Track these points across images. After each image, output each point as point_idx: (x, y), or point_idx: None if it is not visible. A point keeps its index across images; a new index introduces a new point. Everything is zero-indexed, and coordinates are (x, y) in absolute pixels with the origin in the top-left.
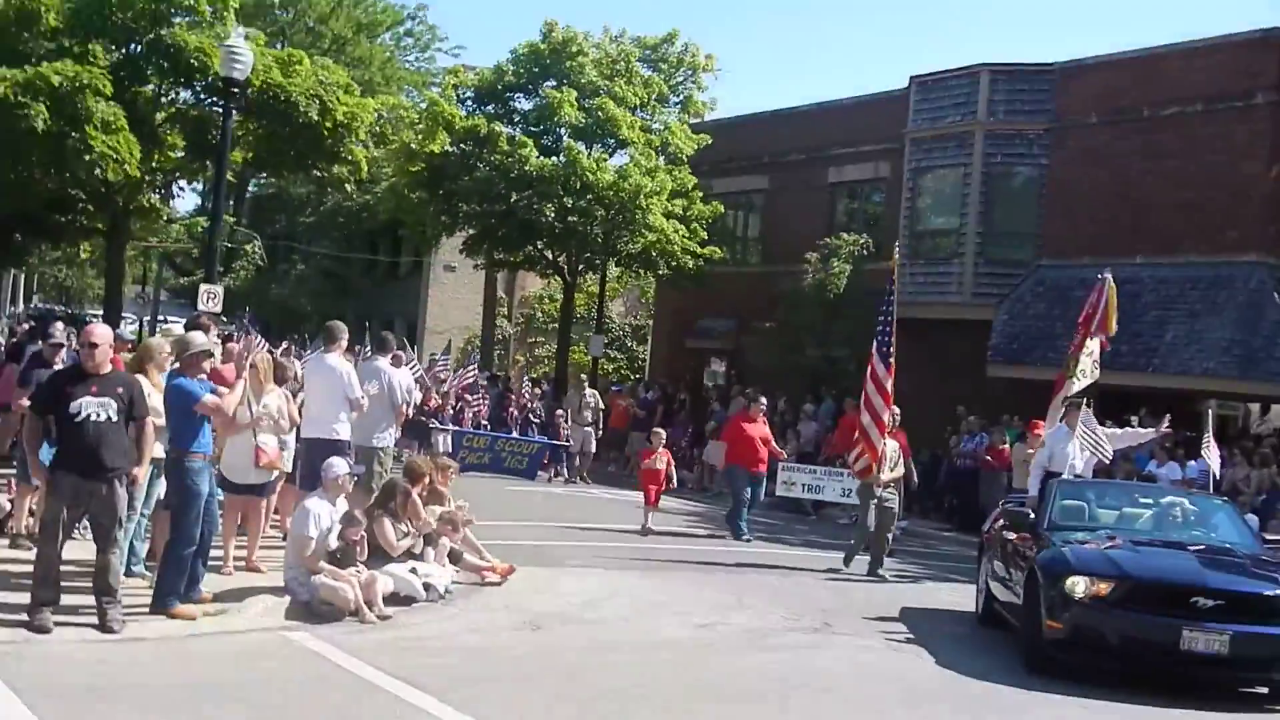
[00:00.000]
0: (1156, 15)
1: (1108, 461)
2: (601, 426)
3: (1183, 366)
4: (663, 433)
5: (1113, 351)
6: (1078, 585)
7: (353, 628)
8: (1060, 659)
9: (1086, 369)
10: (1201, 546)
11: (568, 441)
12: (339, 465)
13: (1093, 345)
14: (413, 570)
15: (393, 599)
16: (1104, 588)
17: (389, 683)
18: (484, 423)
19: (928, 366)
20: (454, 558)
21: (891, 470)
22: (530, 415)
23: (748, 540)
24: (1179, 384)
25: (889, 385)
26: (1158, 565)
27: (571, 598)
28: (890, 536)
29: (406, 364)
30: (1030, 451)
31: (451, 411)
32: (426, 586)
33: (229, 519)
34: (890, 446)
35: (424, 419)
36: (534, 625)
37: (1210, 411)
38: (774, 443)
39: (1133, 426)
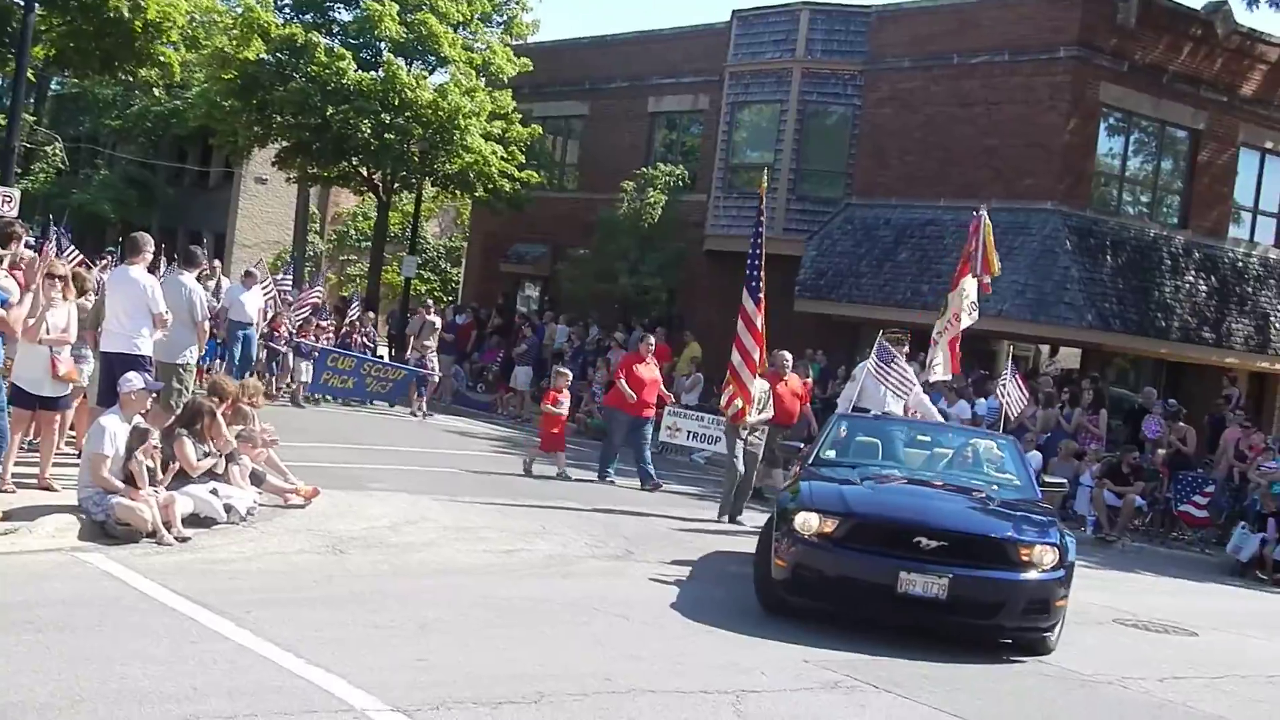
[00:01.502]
0: None
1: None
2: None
3: (979, 308)
4: (568, 372)
5: (913, 291)
6: (807, 521)
7: (150, 549)
8: (789, 600)
9: (964, 311)
10: (955, 486)
11: (435, 370)
12: (135, 380)
13: (968, 286)
14: (213, 491)
15: (192, 520)
16: (830, 525)
17: (185, 605)
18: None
19: (737, 299)
20: (256, 479)
21: (760, 412)
22: (366, 339)
23: (611, 482)
24: (973, 325)
25: (759, 322)
26: (886, 503)
27: (376, 522)
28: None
29: (260, 284)
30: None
31: (312, 337)
32: (227, 508)
33: (16, 433)
34: (759, 387)
35: (272, 344)
36: (336, 549)
37: (1010, 351)
38: (662, 386)
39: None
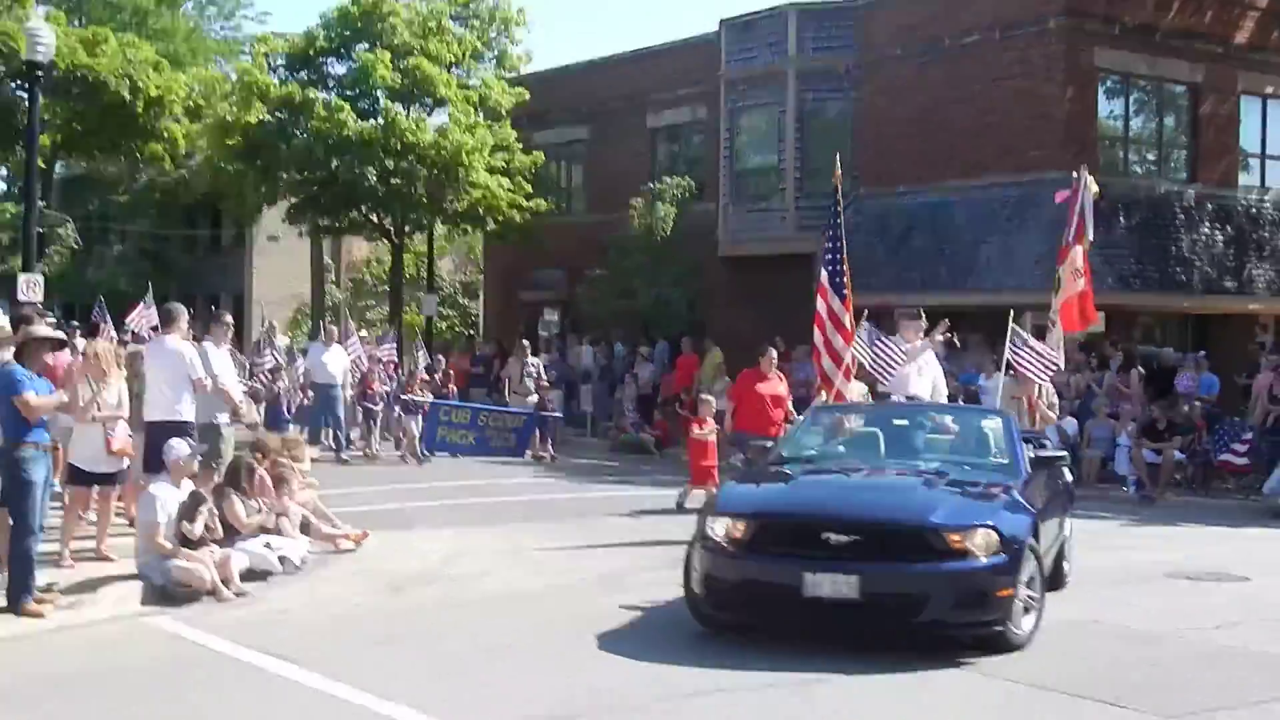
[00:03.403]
0: None
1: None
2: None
3: (997, 283)
4: (712, 400)
5: (931, 273)
6: (716, 527)
7: (211, 607)
8: (712, 615)
9: (1068, 278)
10: (912, 471)
11: (557, 413)
12: (180, 447)
13: (1075, 255)
14: (266, 545)
15: (248, 575)
16: (739, 529)
17: (254, 657)
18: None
19: (758, 302)
20: (304, 528)
21: None
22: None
23: None
24: (996, 300)
25: (848, 321)
26: (797, 498)
27: (427, 558)
28: None
29: (339, 341)
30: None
31: (418, 391)
32: (281, 560)
33: (73, 510)
34: (856, 390)
35: (367, 403)
36: (393, 588)
37: (1012, 323)
38: (789, 403)
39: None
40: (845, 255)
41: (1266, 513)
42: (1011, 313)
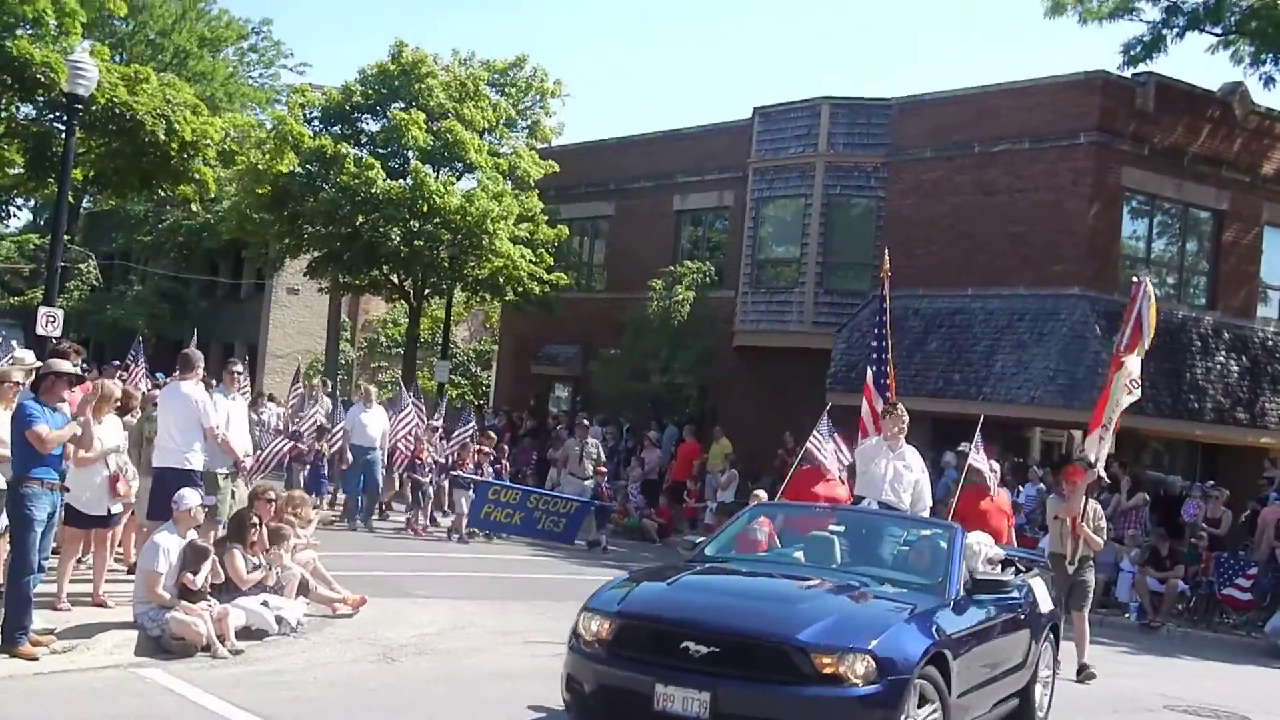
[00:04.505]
0: (990, 57)
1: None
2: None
3: (1010, 395)
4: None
5: (944, 380)
6: (584, 624)
7: (205, 663)
8: None
9: (1123, 391)
10: (803, 581)
11: (613, 501)
12: (191, 497)
13: (1131, 364)
14: (264, 603)
15: (244, 633)
16: (604, 628)
17: (244, 717)
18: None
19: (770, 394)
20: (303, 589)
21: None
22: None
23: None
24: (1007, 412)
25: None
26: (665, 601)
27: (424, 629)
28: None
29: (380, 404)
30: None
31: (472, 466)
32: (279, 620)
33: (70, 552)
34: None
35: (416, 474)
36: (388, 657)
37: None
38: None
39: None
40: (890, 354)
41: (1268, 651)
42: (981, 418)
